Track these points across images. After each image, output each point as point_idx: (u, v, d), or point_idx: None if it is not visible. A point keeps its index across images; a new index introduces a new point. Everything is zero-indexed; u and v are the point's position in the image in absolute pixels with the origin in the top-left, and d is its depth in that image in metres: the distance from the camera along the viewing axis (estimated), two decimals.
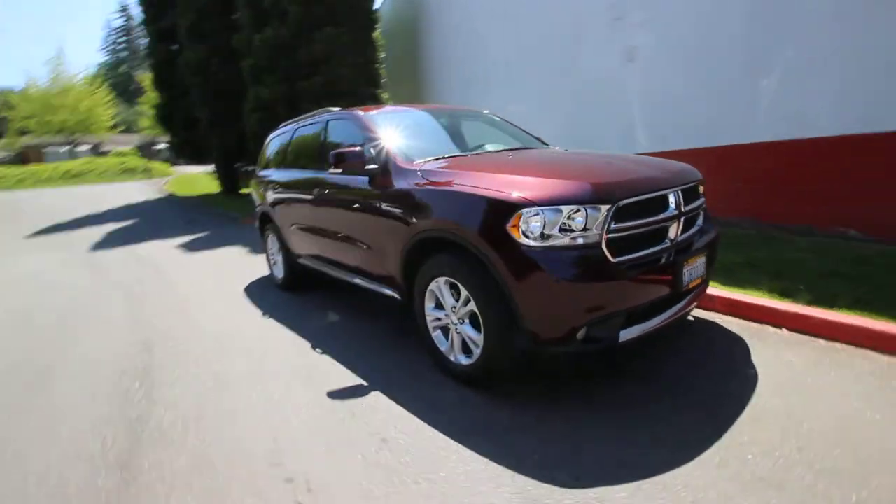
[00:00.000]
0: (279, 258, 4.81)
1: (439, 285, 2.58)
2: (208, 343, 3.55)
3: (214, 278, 5.70)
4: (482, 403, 2.39)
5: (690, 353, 2.74)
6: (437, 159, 2.95)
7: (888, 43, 3.80)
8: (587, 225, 2.12)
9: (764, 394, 2.27)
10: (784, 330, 2.91)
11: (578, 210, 2.12)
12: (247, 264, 6.58)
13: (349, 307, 4.16)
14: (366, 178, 3.12)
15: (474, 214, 2.28)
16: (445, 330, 2.67)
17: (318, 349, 3.28)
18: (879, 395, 2.21)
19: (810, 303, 2.99)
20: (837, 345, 2.68)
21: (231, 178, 15.01)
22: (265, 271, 5.48)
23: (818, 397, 2.21)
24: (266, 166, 5.12)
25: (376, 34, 12.48)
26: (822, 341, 2.74)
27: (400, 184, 2.84)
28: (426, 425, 2.24)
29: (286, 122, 5.00)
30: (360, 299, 4.29)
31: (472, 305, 2.37)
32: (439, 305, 2.66)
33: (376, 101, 12.68)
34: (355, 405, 2.49)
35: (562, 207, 2.11)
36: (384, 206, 2.90)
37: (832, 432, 1.95)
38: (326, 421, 2.37)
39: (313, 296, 4.55)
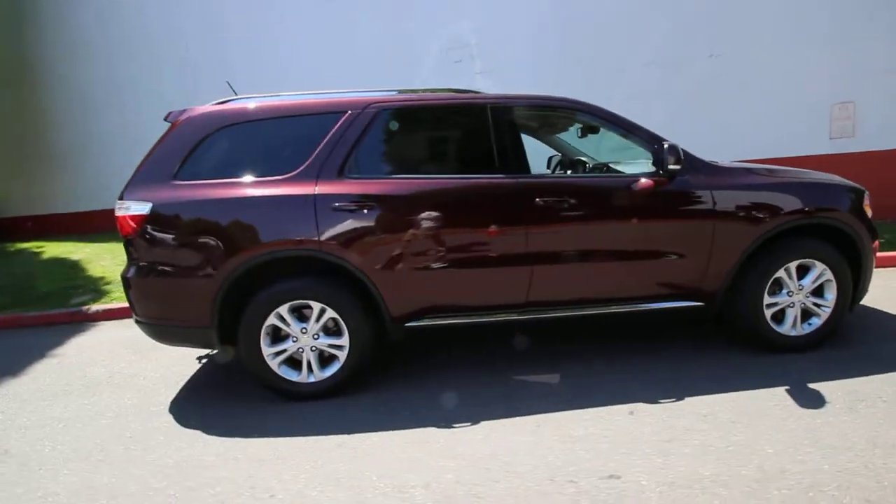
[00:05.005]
0: (321, 341, 2.69)
1: (789, 270, 2.85)
2: None
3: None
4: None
5: None
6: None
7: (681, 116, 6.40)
8: None
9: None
10: None
11: None
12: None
13: (515, 362, 3.09)
14: (628, 182, 2.78)
15: (846, 199, 2.87)
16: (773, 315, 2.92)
17: (629, 413, 2.50)
18: None
19: None
20: None
21: None
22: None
23: None
24: (223, 175, 2.70)
25: None
26: None
27: (719, 180, 2.82)
28: None
29: (265, 100, 2.84)
30: (487, 350, 3.24)
31: (827, 276, 2.87)
32: (771, 293, 2.90)
33: None
34: (833, 403, 2.41)
35: None
36: (718, 206, 2.76)
37: None
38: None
39: (411, 382, 2.95)
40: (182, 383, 3.10)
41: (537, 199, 2.70)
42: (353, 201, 2.60)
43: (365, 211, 2.60)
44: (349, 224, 2.60)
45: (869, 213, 2.99)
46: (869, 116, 5.77)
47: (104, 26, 8.27)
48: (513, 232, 2.70)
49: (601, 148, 3.85)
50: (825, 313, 2.95)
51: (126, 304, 4.73)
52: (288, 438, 2.40)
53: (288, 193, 2.60)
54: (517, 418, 2.45)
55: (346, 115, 2.72)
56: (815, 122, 5.94)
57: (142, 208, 2.61)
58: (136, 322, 2.80)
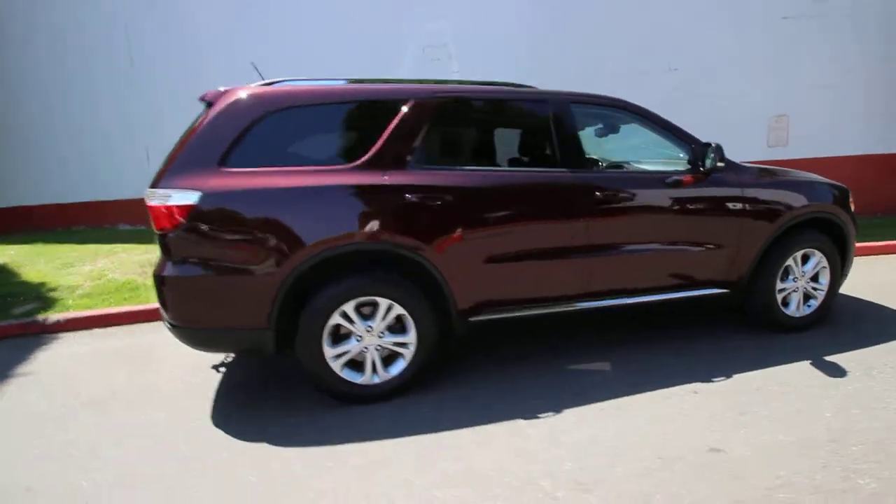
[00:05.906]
0: (387, 339, 2.57)
1: (795, 259, 3.23)
2: None
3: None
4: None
5: None
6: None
7: None
8: None
9: None
10: None
11: None
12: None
13: (561, 353, 3.17)
14: (673, 178, 2.98)
15: (840, 196, 3.31)
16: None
17: (694, 392, 2.71)
18: None
19: None
20: None
21: None
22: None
23: None
24: (272, 162, 2.48)
25: None
26: None
27: (746, 178, 3.11)
28: None
29: (319, 83, 2.66)
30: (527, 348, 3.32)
31: (823, 263, 3.29)
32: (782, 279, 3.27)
33: None
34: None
35: None
36: (747, 202, 3.06)
37: None
38: None
39: (471, 378, 2.96)
40: (210, 394, 2.77)
41: (597, 193, 2.80)
42: (425, 193, 2.51)
43: (438, 202, 2.53)
44: (421, 216, 2.51)
45: (853, 208, 3.49)
46: (800, 127, 6.69)
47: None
48: (576, 224, 2.77)
49: (605, 148, 4.08)
50: (821, 296, 3.38)
51: (95, 313, 4.18)
52: (375, 442, 2.26)
53: (357, 183, 2.45)
54: (595, 405, 2.52)
55: (411, 103, 2.61)
56: (755, 131, 6.75)
57: (188, 198, 2.30)
58: (171, 327, 2.46)
